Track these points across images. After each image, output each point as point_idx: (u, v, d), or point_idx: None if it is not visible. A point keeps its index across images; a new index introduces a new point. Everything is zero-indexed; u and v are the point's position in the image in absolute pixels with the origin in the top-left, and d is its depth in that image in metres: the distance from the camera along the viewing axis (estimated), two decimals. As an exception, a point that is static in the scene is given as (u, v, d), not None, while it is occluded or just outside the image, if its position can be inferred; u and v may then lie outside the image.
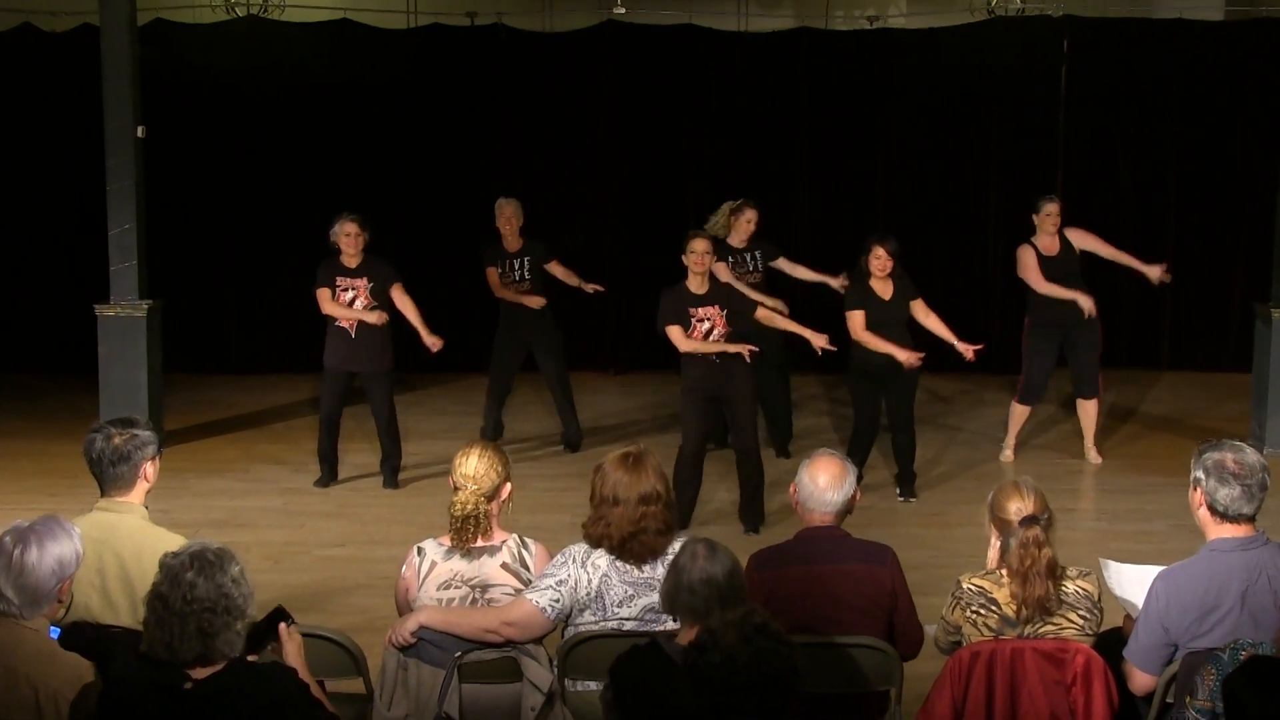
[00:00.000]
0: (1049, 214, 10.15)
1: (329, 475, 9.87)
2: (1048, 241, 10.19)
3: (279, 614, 4.30)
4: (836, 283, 10.20)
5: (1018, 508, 4.76)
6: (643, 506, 4.89)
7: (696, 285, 8.63)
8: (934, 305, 9.58)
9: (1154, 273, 10.33)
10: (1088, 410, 10.49)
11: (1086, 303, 9.98)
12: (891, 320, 9.36)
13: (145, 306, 10.58)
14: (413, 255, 12.53)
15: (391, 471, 9.89)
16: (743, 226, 10.28)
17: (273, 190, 13.31)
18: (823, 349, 8.81)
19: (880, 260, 9.32)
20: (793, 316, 9.39)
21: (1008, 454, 10.61)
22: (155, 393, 10.66)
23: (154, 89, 11.38)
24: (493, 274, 10.53)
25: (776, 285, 10.60)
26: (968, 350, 9.30)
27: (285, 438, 11.14)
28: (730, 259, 10.13)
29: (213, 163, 13.34)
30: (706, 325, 8.56)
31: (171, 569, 3.83)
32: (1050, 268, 10.10)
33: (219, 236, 13.49)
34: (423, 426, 11.52)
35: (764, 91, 13.63)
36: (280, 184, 13.31)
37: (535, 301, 10.50)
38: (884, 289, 9.39)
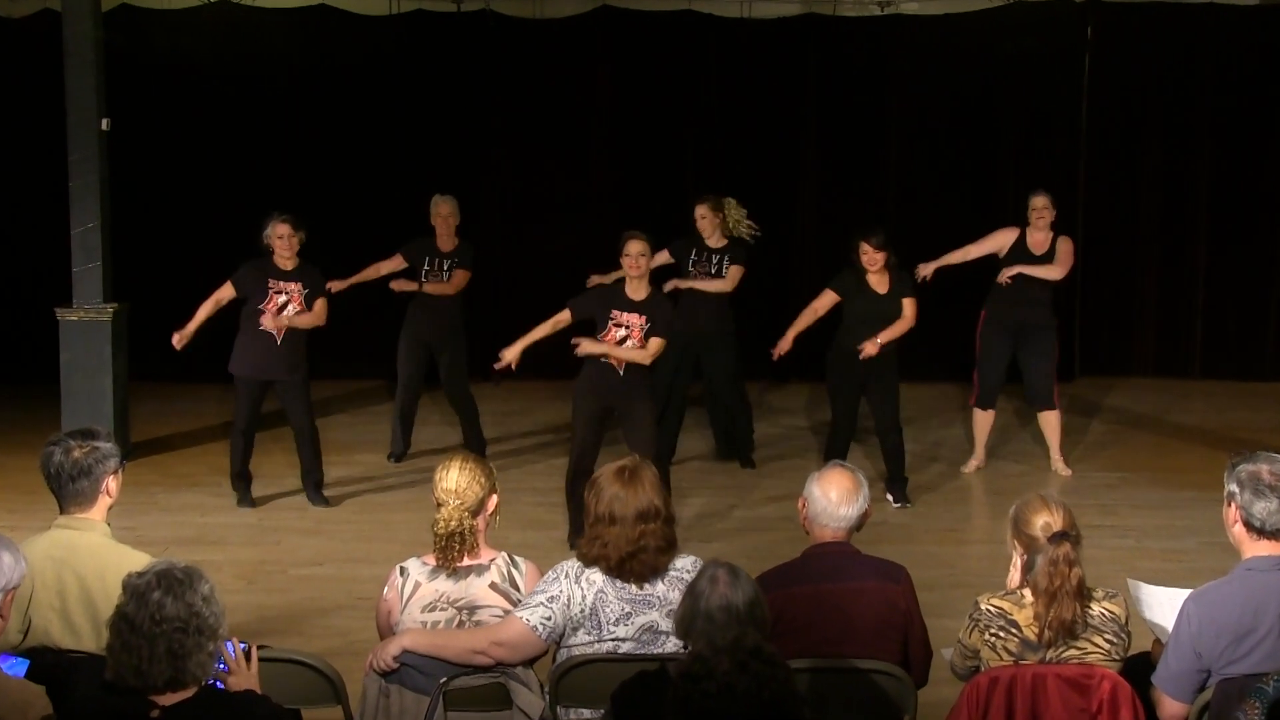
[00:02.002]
0: (1033, 208, 10.24)
1: (248, 494, 9.80)
2: (1038, 237, 10.25)
3: None
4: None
5: (1045, 522, 4.74)
6: (641, 524, 4.87)
7: (633, 290, 8.60)
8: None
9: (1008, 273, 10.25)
10: (1049, 421, 10.54)
11: (1005, 274, 10.07)
12: (879, 316, 9.44)
13: (110, 310, 10.57)
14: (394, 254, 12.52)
15: (314, 487, 9.82)
16: (700, 225, 10.36)
17: (246, 187, 13.28)
18: None
19: (867, 255, 9.41)
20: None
21: (973, 464, 10.65)
22: (120, 402, 10.66)
23: (119, 79, 11.36)
24: (394, 262, 10.54)
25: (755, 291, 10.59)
26: (872, 348, 9.33)
27: (259, 450, 11.01)
28: (695, 255, 10.29)
29: (182, 157, 13.33)
30: (622, 333, 8.52)
31: (137, 589, 3.81)
32: (1022, 261, 10.13)
33: (189, 236, 13.46)
34: (405, 438, 11.52)
35: (769, 82, 13.63)
36: (254, 180, 13.27)
37: (445, 288, 10.48)
38: (879, 283, 9.48)
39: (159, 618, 3.76)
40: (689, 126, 13.70)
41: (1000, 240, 10.30)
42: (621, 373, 8.57)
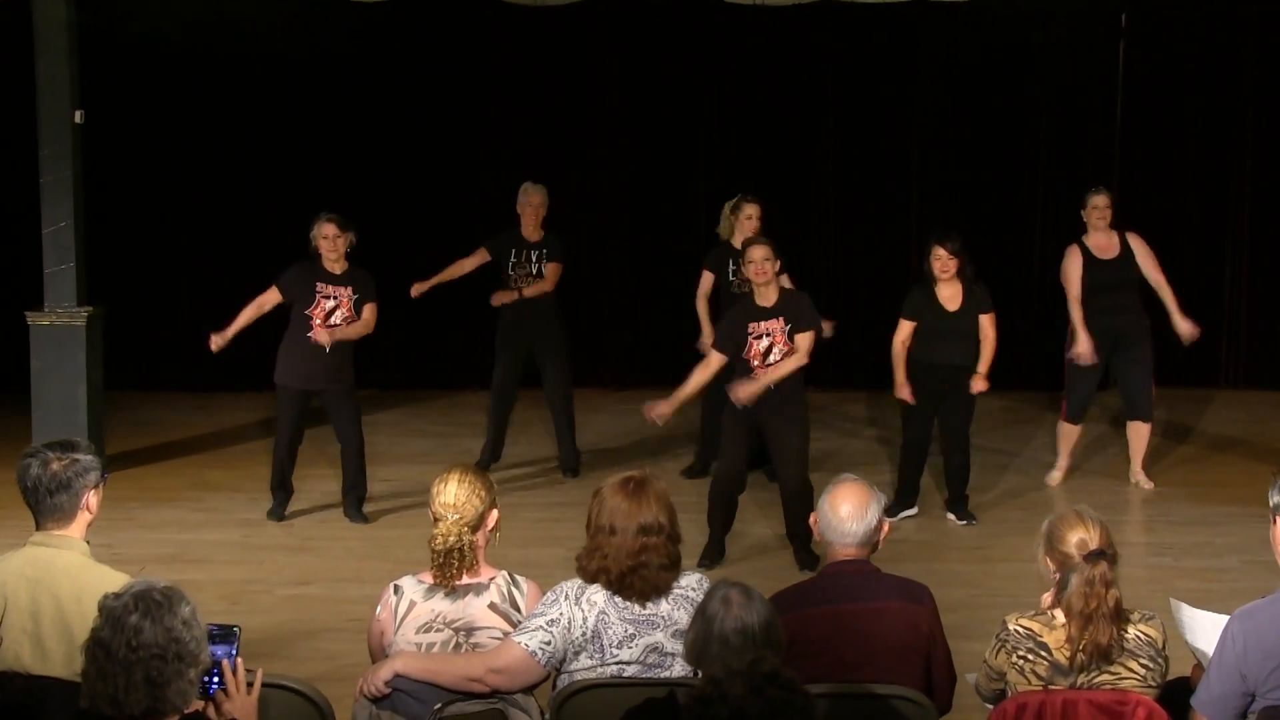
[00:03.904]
0: (1094, 207, 10.25)
1: (282, 507, 9.86)
2: (1101, 240, 10.26)
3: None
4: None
5: (1081, 539, 4.74)
6: (642, 537, 4.89)
7: (763, 296, 8.74)
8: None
9: (1184, 327, 10.35)
10: (1140, 432, 10.58)
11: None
12: (952, 330, 9.51)
13: (84, 314, 10.57)
14: (387, 256, 12.53)
15: (356, 503, 9.86)
16: (744, 225, 10.29)
17: (229, 183, 13.31)
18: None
19: (940, 261, 9.44)
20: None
21: (1056, 476, 10.69)
22: (96, 412, 10.66)
23: (94, 67, 11.37)
24: (478, 258, 10.66)
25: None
26: (979, 383, 9.51)
27: (243, 463, 11.13)
28: (733, 264, 10.23)
29: (161, 151, 13.32)
30: (765, 342, 8.66)
31: (113, 612, 3.80)
32: (1100, 272, 10.17)
33: (168, 235, 13.48)
34: (400, 449, 11.53)
35: (785, 72, 13.62)
36: (238, 175, 13.30)
37: (543, 286, 10.56)
38: (951, 296, 9.52)
39: (136, 644, 3.75)
40: (700, 120, 13.70)
41: (1076, 266, 10.25)
42: (772, 386, 8.65)
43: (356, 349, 9.73)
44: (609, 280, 13.58)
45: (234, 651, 4.23)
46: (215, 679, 4.17)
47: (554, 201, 12.85)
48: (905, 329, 9.58)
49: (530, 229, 10.65)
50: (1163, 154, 13.73)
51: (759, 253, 8.71)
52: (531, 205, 10.63)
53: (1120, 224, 10.38)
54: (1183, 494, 10.46)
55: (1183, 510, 10.10)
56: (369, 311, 9.57)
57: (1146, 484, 10.56)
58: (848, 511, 5.08)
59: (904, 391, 9.54)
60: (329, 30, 13.37)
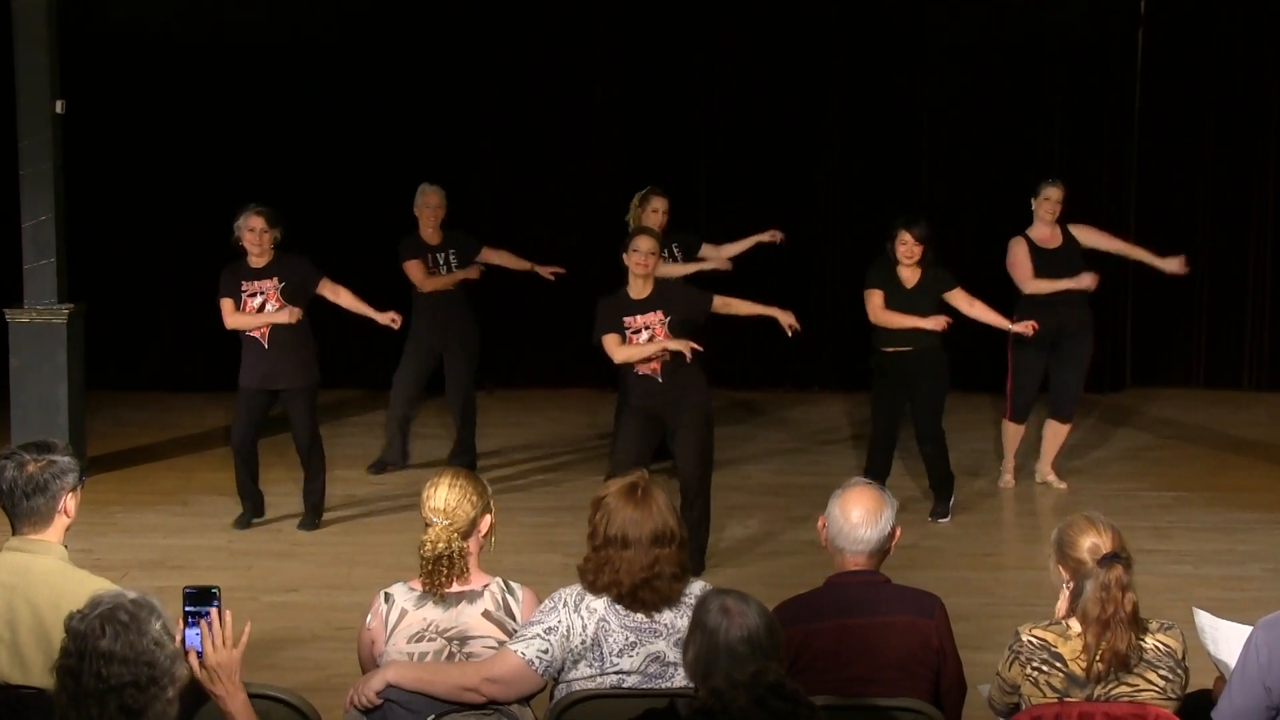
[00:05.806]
0: (1048, 198, 10.30)
1: (251, 512, 9.82)
2: (1045, 232, 10.34)
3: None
4: (768, 236, 10.93)
5: (1093, 544, 4.73)
6: (656, 549, 4.88)
7: (637, 290, 8.70)
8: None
9: (1170, 265, 10.44)
10: (1058, 433, 10.65)
11: (1088, 279, 10.12)
12: (911, 311, 9.57)
13: (65, 311, 10.56)
14: (371, 251, 12.50)
15: (312, 509, 9.82)
16: (650, 218, 10.43)
17: (214, 174, 13.26)
18: (792, 328, 8.88)
19: (906, 246, 9.56)
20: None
21: (1008, 479, 10.72)
22: (77, 412, 10.65)
23: (75, 55, 11.36)
24: (417, 266, 10.70)
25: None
26: (1026, 328, 9.60)
27: (228, 465, 11.03)
28: (665, 253, 10.28)
29: (144, 142, 13.31)
30: (645, 336, 8.61)
31: (80, 636, 3.73)
32: (1045, 263, 10.21)
33: (151, 229, 13.46)
34: (389, 452, 11.52)
35: (788, 57, 13.60)
36: (223, 166, 13.25)
37: (474, 271, 10.83)
38: (909, 276, 9.64)
39: (105, 674, 3.69)
40: (699, 111, 13.66)
41: (1023, 253, 10.25)
42: (660, 379, 8.64)
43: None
44: (603, 272, 13.55)
45: (211, 609, 4.28)
46: (200, 627, 4.21)
47: (544, 190, 12.91)
48: (878, 295, 9.62)
49: (430, 232, 10.74)
50: (1183, 146, 13.70)
51: (646, 244, 8.68)
52: (430, 207, 10.72)
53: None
54: (1202, 499, 10.44)
55: (1202, 516, 10.08)
56: (328, 286, 9.59)
57: (1059, 484, 10.61)
58: (860, 516, 5.05)
59: (934, 321, 9.50)
60: (316, 19, 13.36)
